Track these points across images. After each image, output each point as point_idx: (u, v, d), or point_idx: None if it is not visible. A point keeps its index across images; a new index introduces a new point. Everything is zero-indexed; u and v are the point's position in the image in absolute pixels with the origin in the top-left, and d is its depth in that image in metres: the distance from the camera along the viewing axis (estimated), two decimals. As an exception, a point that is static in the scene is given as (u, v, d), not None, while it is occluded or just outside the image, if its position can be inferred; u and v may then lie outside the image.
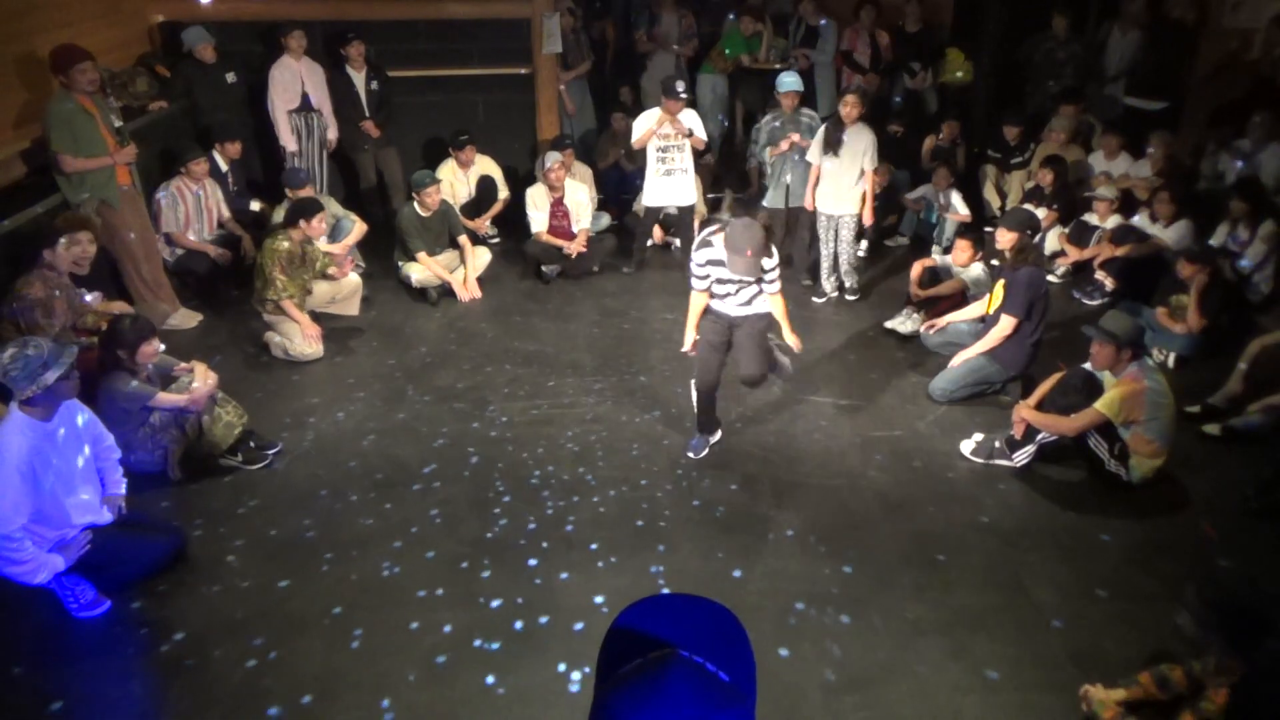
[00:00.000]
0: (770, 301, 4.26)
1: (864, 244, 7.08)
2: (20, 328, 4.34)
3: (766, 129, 6.55)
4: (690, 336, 4.48)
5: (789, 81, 6.21)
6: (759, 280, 4.13)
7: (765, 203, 6.65)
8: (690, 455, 4.52)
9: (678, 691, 0.94)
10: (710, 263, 4.10)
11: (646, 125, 6.34)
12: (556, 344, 5.76)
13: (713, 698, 0.95)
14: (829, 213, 6.15)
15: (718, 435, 4.64)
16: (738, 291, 4.20)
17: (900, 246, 7.45)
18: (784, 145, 6.31)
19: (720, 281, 4.16)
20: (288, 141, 7.05)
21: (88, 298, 5.09)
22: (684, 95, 6.27)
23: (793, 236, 6.66)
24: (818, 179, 6.10)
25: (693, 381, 4.56)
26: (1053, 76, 7.97)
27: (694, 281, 4.23)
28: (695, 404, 4.56)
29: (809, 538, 3.92)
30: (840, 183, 6.01)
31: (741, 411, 4.94)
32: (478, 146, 7.30)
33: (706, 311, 4.33)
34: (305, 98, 7.01)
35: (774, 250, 4.12)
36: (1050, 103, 7.81)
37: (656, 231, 7.24)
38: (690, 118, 6.40)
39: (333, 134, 7.25)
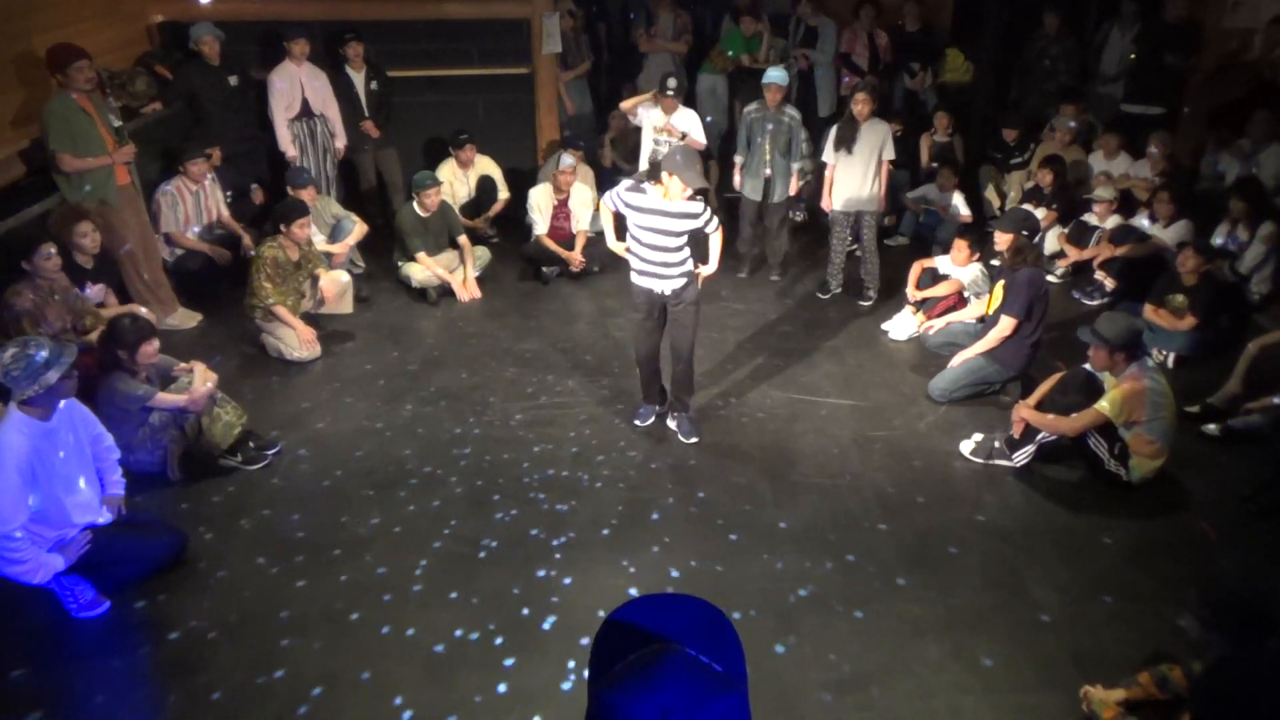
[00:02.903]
0: (711, 239, 4.49)
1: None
2: (10, 336, 4.33)
3: (747, 119, 6.44)
4: (613, 240, 4.70)
5: (774, 75, 6.19)
6: (690, 235, 4.28)
7: (745, 193, 6.56)
8: (637, 424, 4.76)
9: (674, 681, 0.96)
10: (631, 203, 4.24)
11: (640, 101, 6.58)
12: (556, 344, 5.76)
13: (708, 685, 0.97)
14: (847, 210, 6.15)
15: (664, 406, 4.81)
16: (662, 252, 4.24)
17: (900, 246, 7.45)
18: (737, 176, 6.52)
19: (645, 240, 4.25)
20: (288, 149, 6.96)
21: (89, 290, 5.09)
22: (670, 91, 6.31)
23: (768, 231, 6.66)
24: (833, 179, 6.11)
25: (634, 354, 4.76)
26: (1045, 76, 7.96)
27: (607, 200, 4.39)
28: (638, 374, 4.76)
29: (808, 538, 3.93)
30: (858, 179, 6.02)
31: (741, 411, 4.95)
32: (477, 146, 7.30)
33: (635, 285, 4.45)
34: (305, 104, 6.93)
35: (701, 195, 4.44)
36: (1044, 102, 7.80)
37: None
38: (687, 120, 6.39)
39: (340, 142, 7.16)
